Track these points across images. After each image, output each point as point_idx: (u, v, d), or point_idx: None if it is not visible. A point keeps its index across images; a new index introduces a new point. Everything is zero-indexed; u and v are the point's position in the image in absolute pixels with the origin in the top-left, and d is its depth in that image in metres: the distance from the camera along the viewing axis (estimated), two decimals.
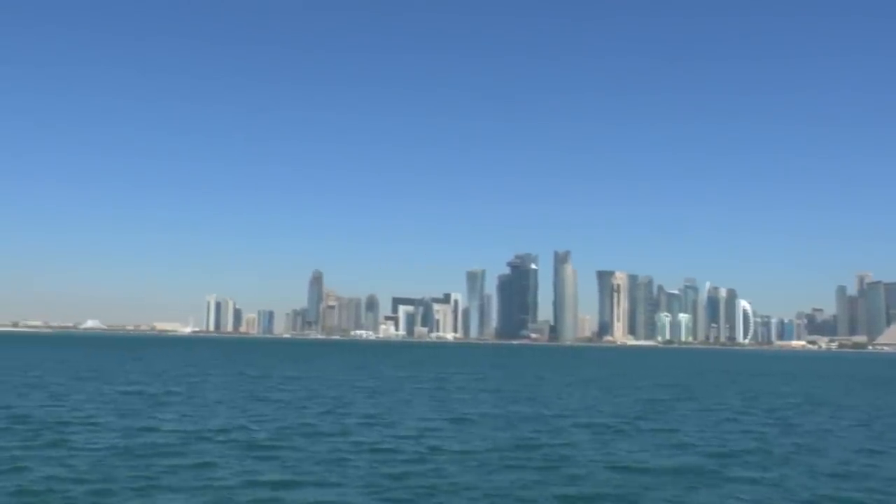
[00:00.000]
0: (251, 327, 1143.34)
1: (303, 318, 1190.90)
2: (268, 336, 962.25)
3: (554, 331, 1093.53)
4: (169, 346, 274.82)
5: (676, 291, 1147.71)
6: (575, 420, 54.94)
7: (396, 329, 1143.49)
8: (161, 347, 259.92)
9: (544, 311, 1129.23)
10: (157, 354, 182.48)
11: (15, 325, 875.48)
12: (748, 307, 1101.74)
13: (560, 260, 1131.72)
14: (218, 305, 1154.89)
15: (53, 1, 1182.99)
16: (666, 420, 56.62)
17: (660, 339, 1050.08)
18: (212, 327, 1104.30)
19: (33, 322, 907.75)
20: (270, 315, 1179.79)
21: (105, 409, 54.59)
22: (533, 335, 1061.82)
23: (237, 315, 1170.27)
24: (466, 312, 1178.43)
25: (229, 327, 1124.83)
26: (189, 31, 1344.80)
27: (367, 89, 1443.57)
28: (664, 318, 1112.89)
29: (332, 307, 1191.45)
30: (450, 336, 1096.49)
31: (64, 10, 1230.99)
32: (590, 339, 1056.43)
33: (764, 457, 39.64)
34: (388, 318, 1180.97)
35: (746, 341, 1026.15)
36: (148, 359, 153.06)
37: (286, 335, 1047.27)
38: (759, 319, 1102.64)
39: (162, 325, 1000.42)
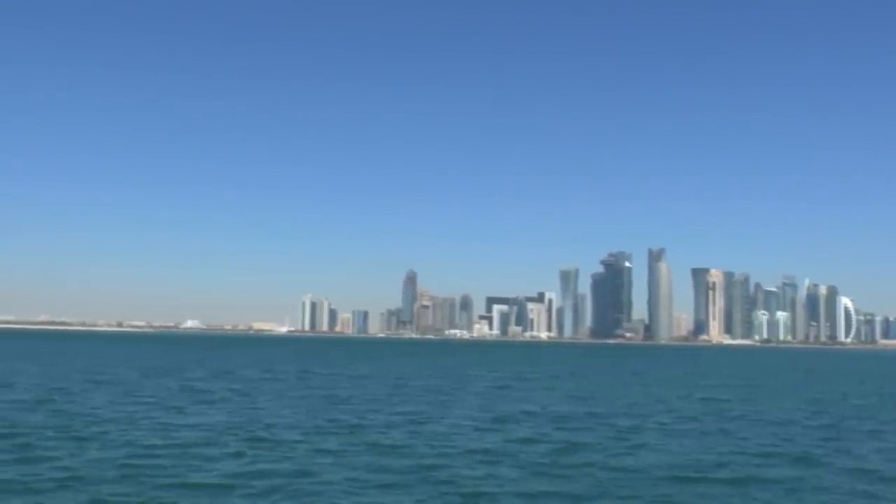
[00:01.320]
0: (346, 327, 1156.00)
1: (397, 317, 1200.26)
2: (362, 336, 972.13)
3: (648, 330, 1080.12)
4: (257, 346, 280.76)
5: (774, 289, 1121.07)
6: (610, 420, 54.60)
7: (490, 328, 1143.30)
8: (248, 347, 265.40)
9: (639, 310, 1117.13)
10: (238, 353, 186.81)
11: (119, 324, 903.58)
12: (850, 305, 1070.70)
13: (654, 258, 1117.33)
14: (313, 305, 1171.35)
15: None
16: (702, 421, 55.31)
17: (757, 338, 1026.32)
18: (307, 327, 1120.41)
19: (137, 322, 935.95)
20: (365, 315, 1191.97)
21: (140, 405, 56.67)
22: (627, 334, 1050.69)
23: (332, 315, 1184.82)
24: (560, 311, 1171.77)
25: (324, 327, 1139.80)
26: (288, 34, 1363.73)
27: (456, 90, 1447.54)
28: (761, 316, 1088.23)
29: (426, 307, 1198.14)
30: (544, 335, 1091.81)
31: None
32: (685, 339, 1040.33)
33: (763, 467, 37.25)
34: (482, 317, 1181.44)
35: (849, 340, 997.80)
36: (224, 357, 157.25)
37: (381, 335, 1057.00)
38: (861, 317, 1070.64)
39: (259, 325, 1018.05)
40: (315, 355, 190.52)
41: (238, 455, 36.19)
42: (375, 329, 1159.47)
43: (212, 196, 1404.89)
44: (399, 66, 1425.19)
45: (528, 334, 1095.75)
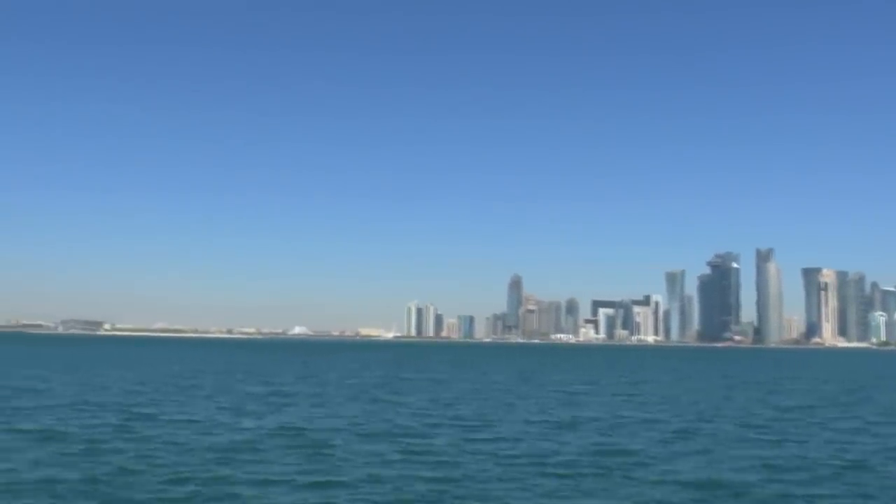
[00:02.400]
0: (452, 332, 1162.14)
1: (503, 322, 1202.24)
2: (468, 341, 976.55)
3: (758, 332, 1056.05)
4: (357, 351, 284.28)
5: (892, 288, 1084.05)
6: (665, 425, 54.14)
7: (596, 332, 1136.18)
8: (348, 352, 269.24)
9: (747, 312, 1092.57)
10: (332, 359, 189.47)
11: (230, 331, 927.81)
12: None
13: (762, 258, 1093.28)
14: (419, 311, 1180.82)
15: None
16: (760, 429, 53.43)
17: (874, 340, 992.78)
18: (413, 332, 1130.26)
19: (247, 329, 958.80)
20: (471, 320, 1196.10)
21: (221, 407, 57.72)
22: (736, 337, 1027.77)
23: (438, 320, 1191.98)
24: (667, 314, 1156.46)
25: (430, 332, 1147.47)
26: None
27: (563, 94, 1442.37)
28: (878, 317, 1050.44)
29: (531, 311, 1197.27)
30: (650, 339, 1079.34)
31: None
32: (796, 341, 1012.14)
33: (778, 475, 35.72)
34: (587, 321, 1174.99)
35: None
36: (315, 363, 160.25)
37: (486, 340, 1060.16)
38: None
39: (366, 331, 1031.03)
40: (409, 360, 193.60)
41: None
42: (481, 334, 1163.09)
43: (321, 205, 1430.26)
44: (497, 69, 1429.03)
45: (634, 338, 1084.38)
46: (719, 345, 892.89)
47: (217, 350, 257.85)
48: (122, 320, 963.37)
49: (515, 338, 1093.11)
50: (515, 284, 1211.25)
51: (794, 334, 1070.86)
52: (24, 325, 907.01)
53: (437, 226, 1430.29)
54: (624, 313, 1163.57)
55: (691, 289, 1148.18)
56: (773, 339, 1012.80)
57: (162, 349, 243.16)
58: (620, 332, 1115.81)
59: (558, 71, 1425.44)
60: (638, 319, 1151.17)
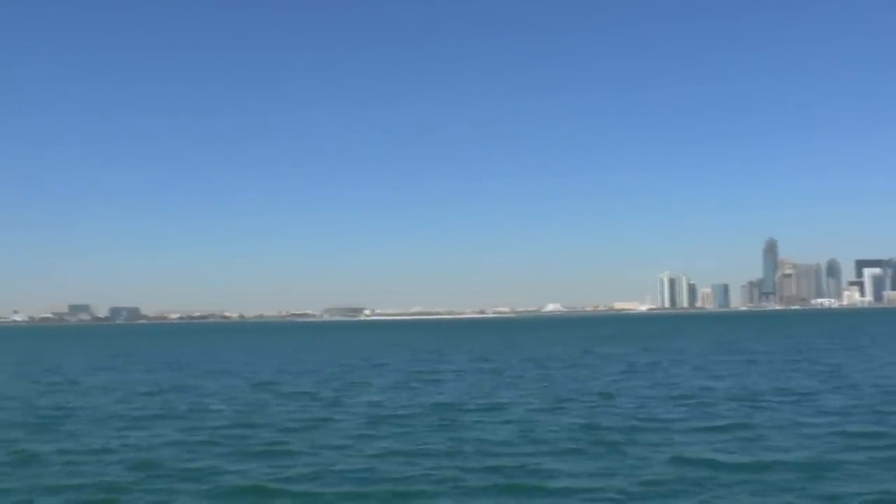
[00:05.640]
0: (706, 302, 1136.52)
1: (759, 289, 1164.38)
2: (723, 310, 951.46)
3: None
4: (612, 325, 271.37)
5: None
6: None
7: (862, 295, 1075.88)
8: (575, 328, 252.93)
9: None
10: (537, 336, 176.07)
11: (481, 312, 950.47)
12: None
13: None
14: (672, 282, 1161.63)
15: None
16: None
17: None
18: (667, 304, 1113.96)
19: (501, 308, 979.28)
20: (725, 288, 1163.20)
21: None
22: None
23: (692, 290, 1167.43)
24: None
25: (685, 303, 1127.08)
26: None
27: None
28: None
29: (788, 276, 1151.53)
30: None
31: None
32: None
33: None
34: (851, 283, 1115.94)
35: None
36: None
37: (742, 308, 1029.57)
38: None
39: (620, 305, 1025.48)
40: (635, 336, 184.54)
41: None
42: (737, 303, 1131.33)
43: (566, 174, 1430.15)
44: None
45: None
46: None
47: (475, 330, 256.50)
48: (381, 305, 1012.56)
49: (773, 305, 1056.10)
50: (770, 248, 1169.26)
51: None
52: (294, 315, 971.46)
53: (686, 193, 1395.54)
54: (893, 272, 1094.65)
55: None
56: None
57: (416, 331, 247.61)
58: (890, 294, 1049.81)
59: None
60: None
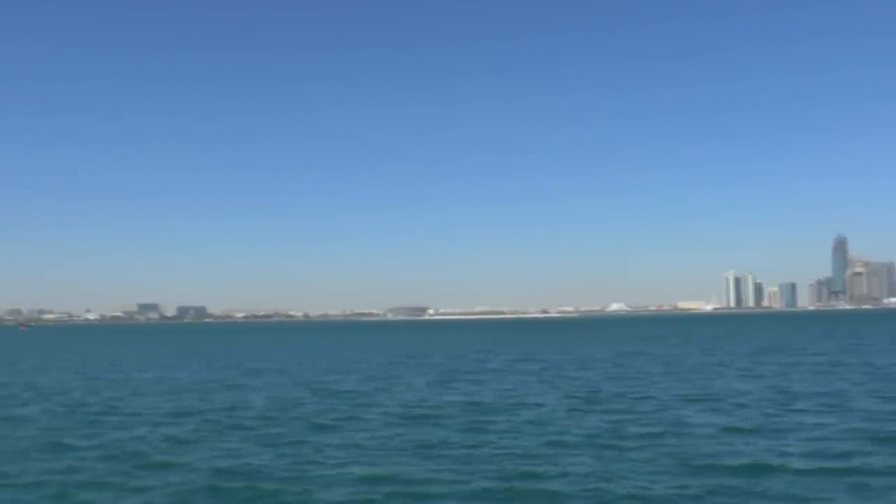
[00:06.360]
0: (773, 301, 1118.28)
1: (828, 287, 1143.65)
2: (791, 310, 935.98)
3: None
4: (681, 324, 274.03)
5: None
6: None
7: None
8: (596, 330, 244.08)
9: None
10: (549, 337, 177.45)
11: (544, 311, 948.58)
12: None
13: None
14: (737, 281, 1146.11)
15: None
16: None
17: None
18: (732, 303, 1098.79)
19: (565, 308, 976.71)
20: (792, 287, 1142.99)
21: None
22: None
23: (758, 289, 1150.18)
24: None
25: (750, 303, 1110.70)
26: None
27: None
28: None
29: (858, 274, 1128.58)
30: None
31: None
32: None
33: None
34: None
35: None
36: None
37: (811, 307, 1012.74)
38: None
39: (684, 304, 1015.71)
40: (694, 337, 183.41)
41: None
42: (805, 302, 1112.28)
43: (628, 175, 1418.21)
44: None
45: None
46: None
47: (542, 329, 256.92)
48: (445, 305, 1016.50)
49: (843, 304, 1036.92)
50: (840, 246, 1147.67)
51: None
52: (357, 314, 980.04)
53: (751, 189, 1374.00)
54: None
55: None
56: None
57: (484, 332, 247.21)
58: None
59: None
60: None
